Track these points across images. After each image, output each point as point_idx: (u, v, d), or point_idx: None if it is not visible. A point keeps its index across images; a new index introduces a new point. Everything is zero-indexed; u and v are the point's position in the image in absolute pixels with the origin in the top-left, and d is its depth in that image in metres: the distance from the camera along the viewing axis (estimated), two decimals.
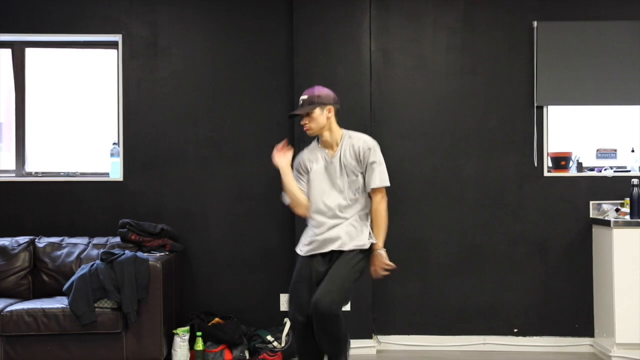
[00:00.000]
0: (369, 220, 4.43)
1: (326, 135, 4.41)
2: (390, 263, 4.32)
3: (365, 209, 4.41)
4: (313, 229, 4.40)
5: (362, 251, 4.34)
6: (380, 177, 4.34)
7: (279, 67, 6.05)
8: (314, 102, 4.35)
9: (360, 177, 4.37)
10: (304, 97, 4.42)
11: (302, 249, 4.46)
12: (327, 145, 4.45)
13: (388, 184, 4.37)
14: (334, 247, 4.31)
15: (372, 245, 4.35)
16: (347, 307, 5.78)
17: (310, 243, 4.39)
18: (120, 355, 5.04)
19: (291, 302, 4.39)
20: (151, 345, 5.08)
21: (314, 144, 4.55)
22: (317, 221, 4.37)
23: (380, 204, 4.36)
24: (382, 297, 5.97)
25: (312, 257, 4.38)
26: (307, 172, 4.48)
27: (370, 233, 4.39)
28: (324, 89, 4.45)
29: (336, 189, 4.37)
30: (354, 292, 5.78)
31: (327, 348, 4.31)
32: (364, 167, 4.37)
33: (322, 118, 4.36)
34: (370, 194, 4.38)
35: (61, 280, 5.48)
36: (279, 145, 4.50)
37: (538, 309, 5.97)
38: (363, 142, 4.40)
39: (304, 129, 4.42)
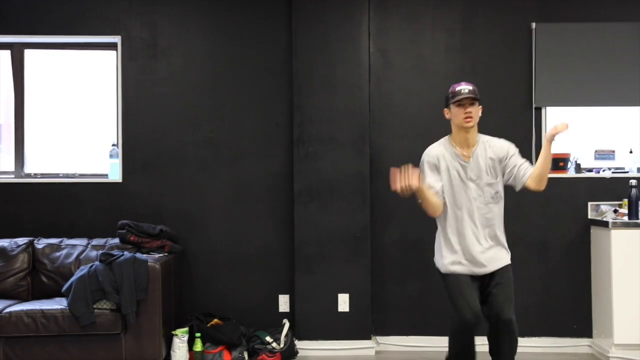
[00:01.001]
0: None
1: (472, 132, 4.39)
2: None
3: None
4: None
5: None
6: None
7: (278, 67, 6.06)
8: (476, 93, 4.33)
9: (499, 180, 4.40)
10: (468, 87, 4.33)
11: None
12: (463, 145, 4.41)
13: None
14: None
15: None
16: (345, 308, 5.83)
17: None
18: (119, 357, 5.05)
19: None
20: (150, 347, 5.08)
21: (445, 141, 4.51)
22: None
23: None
24: (381, 298, 5.98)
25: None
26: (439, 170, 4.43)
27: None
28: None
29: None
30: (354, 294, 5.84)
31: None
32: (505, 164, 4.40)
33: (479, 113, 4.40)
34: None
35: (60, 281, 5.48)
36: (406, 170, 4.14)
37: (536, 310, 5.97)
38: (502, 145, 4.46)
39: (467, 118, 4.31)
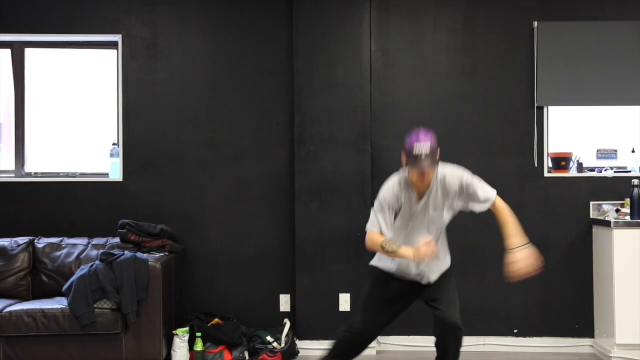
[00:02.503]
0: None
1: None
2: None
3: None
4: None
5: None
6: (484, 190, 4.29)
7: (279, 67, 6.06)
8: (434, 154, 4.08)
9: (451, 211, 4.30)
10: (425, 149, 4.03)
11: None
12: (418, 186, 4.20)
13: (494, 192, 4.34)
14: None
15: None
16: (346, 308, 5.85)
17: None
18: (120, 356, 5.07)
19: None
20: (150, 346, 5.10)
21: (401, 181, 4.25)
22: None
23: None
24: None
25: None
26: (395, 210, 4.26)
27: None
28: (429, 133, 4.15)
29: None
30: (355, 293, 5.83)
31: None
32: (465, 195, 4.26)
33: (437, 163, 4.18)
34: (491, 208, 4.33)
35: (60, 280, 5.50)
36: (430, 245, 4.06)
37: (538, 310, 5.98)
38: (454, 178, 4.24)
39: (421, 181, 4.10)
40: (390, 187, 4.25)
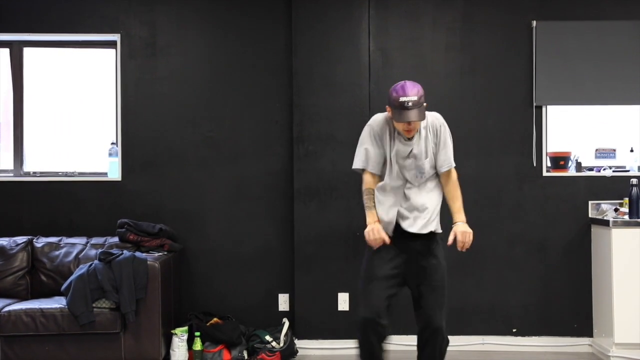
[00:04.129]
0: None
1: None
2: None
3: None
4: None
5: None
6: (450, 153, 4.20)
7: (278, 66, 6.07)
8: (422, 104, 3.99)
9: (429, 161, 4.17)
10: (412, 97, 3.94)
11: None
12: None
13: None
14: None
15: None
16: (345, 307, 5.86)
17: None
18: (119, 356, 5.07)
19: None
20: (149, 346, 5.11)
21: (386, 119, 4.17)
22: None
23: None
24: None
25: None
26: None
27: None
28: (417, 84, 4.05)
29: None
30: (354, 293, 5.83)
31: None
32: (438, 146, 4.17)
33: (424, 115, 4.04)
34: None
35: (59, 280, 5.50)
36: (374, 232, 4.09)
37: (537, 309, 5.98)
38: (435, 119, 4.18)
39: (407, 132, 4.04)
40: (377, 124, 4.20)
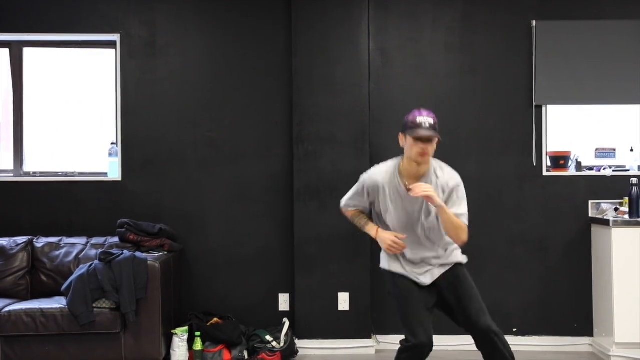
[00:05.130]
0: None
1: (424, 164, 4.07)
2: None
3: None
4: None
5: None
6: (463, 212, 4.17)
7: (278, 67, 6.07)
8: (436, 129, 4.00)
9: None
10: (429, 120, 3.98)
11: None
12: (411, 177, 4.08)
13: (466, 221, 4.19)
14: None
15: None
16: (345, 307, 5.86)
17: None
18: (119, 356, 5.08)
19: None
20: (150, 346, 5.11)
21: (392, 169, 4.14)
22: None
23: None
24: (381, 297, 5.96)
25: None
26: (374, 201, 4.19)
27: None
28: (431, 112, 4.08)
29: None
30: (354, 292, 5.83)
31: None
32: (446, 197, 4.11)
33: (435, 147, 4.05)
34: None
35: (59, 280, 5.51)
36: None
37: (537, 309, 6.00)
38: (450, 178, 4.14)
39: (421, 156, 3.96)
40: (379, 172, 4.17)
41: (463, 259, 4.32)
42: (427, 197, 3.90)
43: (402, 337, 4.21)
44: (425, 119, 3.98)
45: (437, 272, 4.22)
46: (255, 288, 6.06)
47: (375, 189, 4.13)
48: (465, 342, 5.90)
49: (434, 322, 4.17)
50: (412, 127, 3.98)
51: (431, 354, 5.56)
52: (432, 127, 3.97)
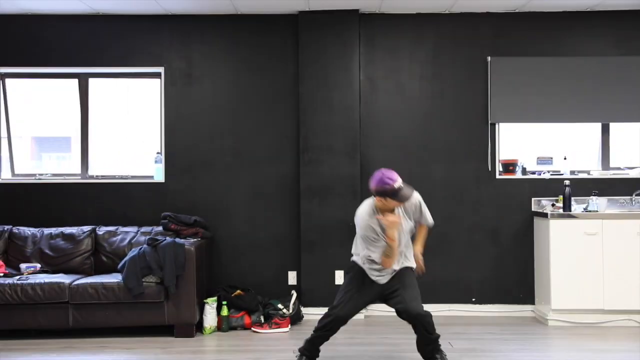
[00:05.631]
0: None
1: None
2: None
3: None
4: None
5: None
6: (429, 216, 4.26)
7: (287, 92, 6.05)
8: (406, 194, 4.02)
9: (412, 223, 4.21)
10: (398, 181, 3.97)
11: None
12: (385, 212, 4.06)
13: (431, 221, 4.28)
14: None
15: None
16: (341, 282, 5.70)
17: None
18: (163, 320, 5.11)
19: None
20: (187, 312, 5.13)
21: (370, 210, 4.12)
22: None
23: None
24: None
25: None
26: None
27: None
28: (390, 171, 4.08)
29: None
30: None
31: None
32: (417, 214, 4.21)
33: None
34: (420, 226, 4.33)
35: (116, 260, 5.53)
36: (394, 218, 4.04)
37: (491, 283, 6.00)
38: (414, 199, 4.16)
39: (399, 205, 4.06)
40: (364, 211, 4.15)
41: (412, 264, 4.31)
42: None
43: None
44: (395, 183, 3.96)
45: (391, 275, 4.23)
46: (270, 266, 6.04)
47: (368, 222, 4.10)
48: (434, 309, 5.84)
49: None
50: (388, 192, 3.96)
51: (389, 319, 5.49)
52: (403, 187, 3.98)
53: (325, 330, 4.22)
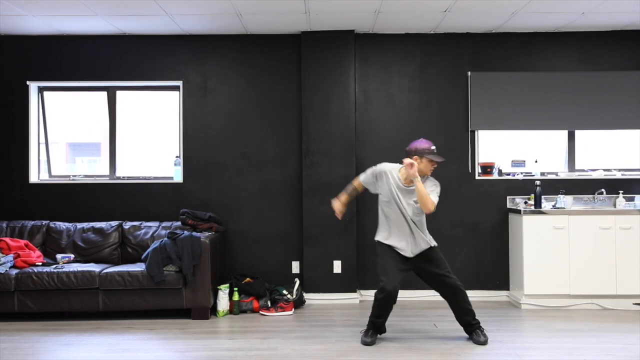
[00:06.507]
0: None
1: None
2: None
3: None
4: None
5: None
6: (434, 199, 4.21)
7: (291, 102, 6.05)
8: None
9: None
10: (433, 147, 4.19)
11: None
12: (406, 180, 4.25)
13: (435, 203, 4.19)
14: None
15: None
16: (338, 270, 5.82)
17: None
18: (181, 304, 5.11)
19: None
20: (202, 297, 5.14)
21: (396, 169, 4.30)
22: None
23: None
24: (364, 263, 6.00)
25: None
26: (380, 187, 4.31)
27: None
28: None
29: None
30: (345, 260, 5.86)
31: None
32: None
33: None
34: None
35: (140, 251, 5.57)
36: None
37: (471, 271, 6.01)
38: (432, 181, 4.27)
39: (432, 170, 4.24)
40: (389, 166, 4.31)
41: (434, 243, 4.38)
42: (410, 165, 4.06)
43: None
44: (434, 146, 4.21)
45: (416, 250, 4.28)
46: (276, 257, 6.04)
47: (382, 174, 4.27)
48: (420, 295, 5.89)
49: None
50: (430, 153, 4.15)
51: (399, 303, 5.59)
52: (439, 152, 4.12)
53: (385, 307, 4.25)
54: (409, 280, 5.96)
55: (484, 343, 4.31)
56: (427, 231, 4.39)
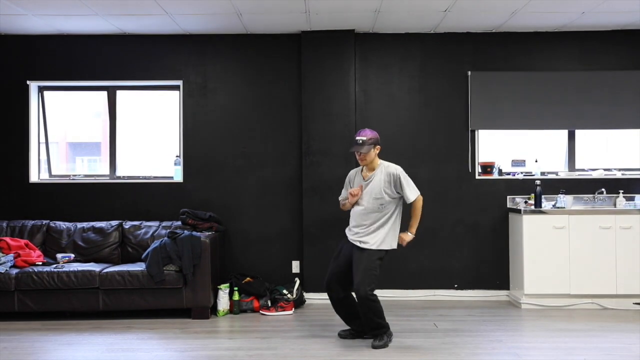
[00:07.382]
0: (386, 229, 4.29)
1: (369, 165, 4.36)
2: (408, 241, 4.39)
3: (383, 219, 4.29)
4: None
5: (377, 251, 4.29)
6: (411, 191, 4.27)
7: (292, 102, 6.04)
8: (370, 144, 4.27)
9: (386, 195, 4.26)
10: (362, 137, 4.25)
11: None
12: (368, 170, 4.38)
13: (418, 193, 4.32)
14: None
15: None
16: None
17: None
18: (181, 304, 5.12)
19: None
20: (202, 296, 5.14)
21: (359, 168, 4.50)
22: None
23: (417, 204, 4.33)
24: None
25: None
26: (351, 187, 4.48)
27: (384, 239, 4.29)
28: (374, 131, 4.38)
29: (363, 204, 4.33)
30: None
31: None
32: (394, 187, 4.28)
33: (374, 152, 4.33)
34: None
35: (141, 251, 5.57)
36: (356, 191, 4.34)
37: (471, 271, 6.00)
38: (393, 169, 4.31)
39: (360, 161, 4.34)
40: (352, 172, 4.51)
41: (376, 246, 4.31)
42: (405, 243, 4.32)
43: (377, 290, 4.32)
44: (359, 137, 4.30)
45: (354, 238, 4.36)
46: (276, 256, 6.03)
47: (351, 177, 4.44)
48: (421, 295, 5.92)
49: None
50: (354, 142, 4.29)
51: (397, 302, 5.60)
52: (363, 142, 4.21)
53: (333, 302, 4.40)
54: (409, 281, 5.99)
55: (377, 347, 4.25)
56: (386, 233, 4.30)
